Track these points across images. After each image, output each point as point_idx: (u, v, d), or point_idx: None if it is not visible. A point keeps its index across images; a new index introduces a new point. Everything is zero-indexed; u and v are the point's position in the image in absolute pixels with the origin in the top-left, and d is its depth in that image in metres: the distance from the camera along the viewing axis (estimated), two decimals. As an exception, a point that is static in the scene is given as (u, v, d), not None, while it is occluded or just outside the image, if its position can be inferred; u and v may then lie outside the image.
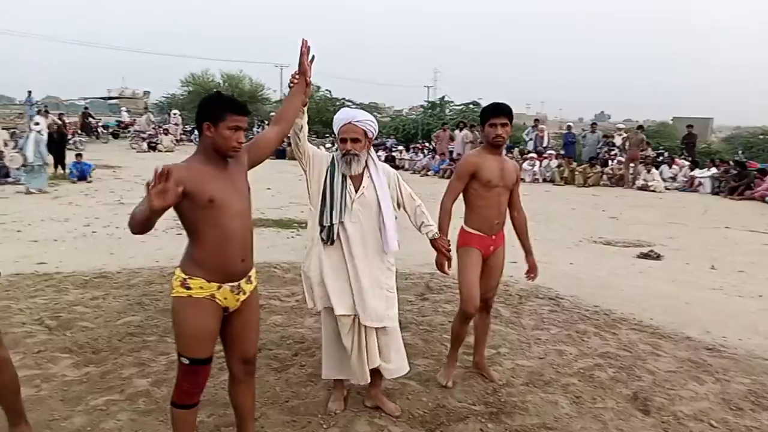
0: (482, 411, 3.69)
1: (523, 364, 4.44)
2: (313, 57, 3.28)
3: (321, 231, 3.46)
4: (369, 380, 3.58)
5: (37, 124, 14.30)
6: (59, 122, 19.81)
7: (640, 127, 19.48)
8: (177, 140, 27.39)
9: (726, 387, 4.16)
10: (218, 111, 2.70)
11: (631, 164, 16.75)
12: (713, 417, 3.73)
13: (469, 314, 3.94)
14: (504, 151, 4.19)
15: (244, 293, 2.87)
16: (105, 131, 29.42)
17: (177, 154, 21.73)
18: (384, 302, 3.52)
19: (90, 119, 28.61)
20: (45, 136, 14.31)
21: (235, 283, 2.80)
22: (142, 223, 2.50)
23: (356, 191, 3.49)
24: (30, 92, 22.74)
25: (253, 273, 2.95)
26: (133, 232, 2.57)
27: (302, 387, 3.92)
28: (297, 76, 3.27)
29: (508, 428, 3.50)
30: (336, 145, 3.72)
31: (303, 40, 3.23)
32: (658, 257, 8.28)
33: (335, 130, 3.57)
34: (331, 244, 3.47)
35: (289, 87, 3.32)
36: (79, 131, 25.33)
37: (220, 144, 2.70)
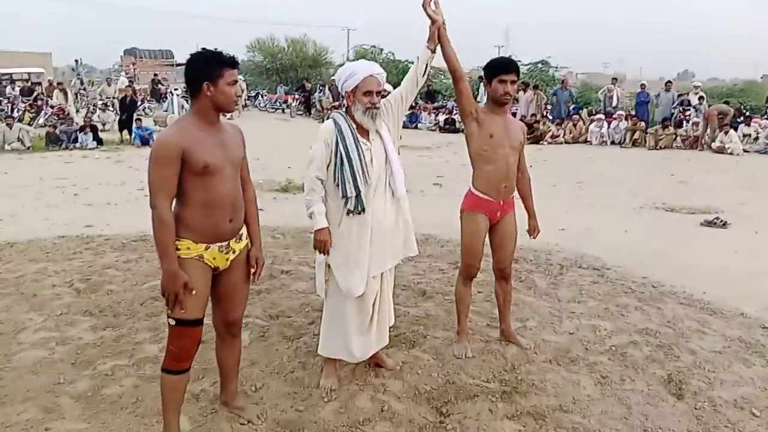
0: (495, 389, 3.45)
1: (550, 339, 4.14)
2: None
3: (346, 203, 3.26)
4: (372, 352, 3.48)
5: (176, 89, 16.15)
6: (130, 87, 20.41)
7: (726, 102, 17.96)
8: (243, 106, 27.72)
9: (777, 371, 3.74)
10: (215, 68, 2.67)
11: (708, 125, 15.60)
12: (756, 405, 3.35)
13: (470, 275, 3.88)
14: (509, 112, 3.93)
15: (234, 252, 2.86)
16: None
17: (242, 119, 21.93)
18: (403, 236, 3.49)
19: (159, 86, 29.32)
20: (181, 100, 15.72)
21: (224, 243, 2.79)
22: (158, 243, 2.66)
23: (366, 148, 3.31)
24: (77, 60, 24.43)
25: (243, 231, 2.92)
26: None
27: (311, 357, 3.78)
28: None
29: (519, 409, 3.25)
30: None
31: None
32: (724, 225, 7.65)
33: (352, 83, 3.29)
34: (363, 212, 3.27)
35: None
36: (149, 97, 25.99)
37: (221, 101, 2.69)
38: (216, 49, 2.74)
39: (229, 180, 2.75)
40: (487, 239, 3.88)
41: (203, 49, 2.76)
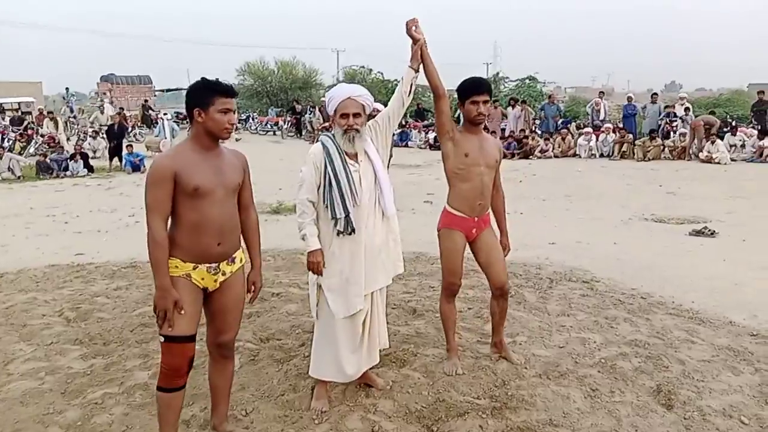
0: (485, 405, 3.46)
1: (540, 353, 4.15)
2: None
3: (336, 224, 3.31)
4: (363, 370, 3.50)
5: (165, 113, 16.84)
6: (119, 115, 20.48)
7: (712, 112, 18.11)
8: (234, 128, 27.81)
9: (766, 378, 3.76)
10: (207, 96, 2.78)
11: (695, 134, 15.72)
12: (745, 413, 3.37)
13: (452, 292, 3.90)
14: (488, 130, 3.96)
15: (224, 274, 2.91)
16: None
17: (231, 142, 22.00)
18: (393, 254, 3.55)
19: (150, 111, 29.43)
20: (172, 124, 16.06)
21: (213, 264, 2.85)
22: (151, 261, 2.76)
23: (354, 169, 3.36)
24: (67, 88, 24.96)
25: (238, 254, 2.98)
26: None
27: (302, 379, 3.78)
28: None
29: (509, 425, 3.26)
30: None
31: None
32: (712, 234, 7.71)
33: (332, 107, 3.41)
34: (353, 232, 3.32)
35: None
36: (139, 123, 26.07)
37: (211, 128, 2.78)
38: (217, 79, 2.85)
39: (220, 204, 2.82)
40: (473, 261, 3.92)
41: (203, 78, 2.86)
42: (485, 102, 3.67)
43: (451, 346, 3.95)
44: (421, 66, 3.57)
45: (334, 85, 32.35)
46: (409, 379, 3.75)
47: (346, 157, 3.34)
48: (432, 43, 3.59)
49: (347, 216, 3.28)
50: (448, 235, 3.82)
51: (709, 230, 7.80)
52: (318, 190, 3.35)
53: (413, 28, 3.52)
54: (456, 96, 3.81)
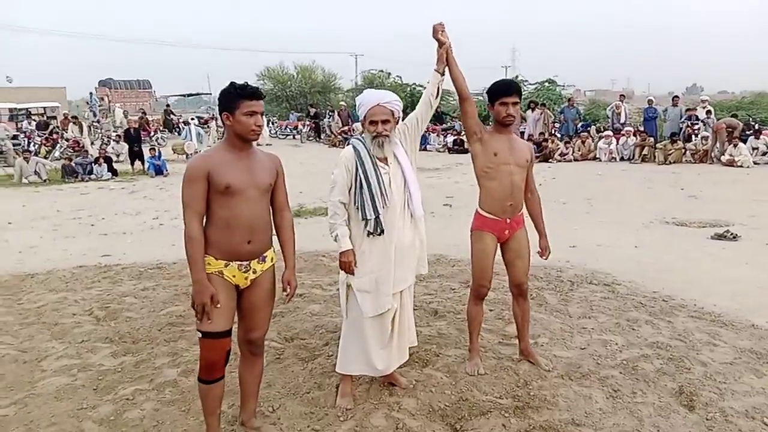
0: (508, 405, 3.51)
1: (562, 354, 4.19)
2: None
3: (366, 225, 3.41)
4: (394, 367, 3.58)
5: (193, 119, 17.84)
6: (134, 118, 20.79)
7: (735, 115, 17.93)
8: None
9: (788, 381, 3.77)
10: (232, 100, 2.89)
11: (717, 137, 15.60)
12: (767, 414, 3.38)
13: (480, 294, 3.94)
14: (518, 131, 4.02)
15: (255, 272, 3.02)
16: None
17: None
18: (419, 254, 3.64)
19: (171, 116, 29.81)
20: (198, 128, 16.89)
21: (244, 262, 2.96)
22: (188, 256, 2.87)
23: (384, 171, 3.46)
24: (92, 93, 27.31)
25: (269, 254, 3.08)
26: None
27: (326, 378, 3.86)
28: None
29: (532, 424, 3.31)
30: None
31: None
32: (734, 238, 7.66)
33: (362, 113, 3.52)
34: (382, 233, 3.41)
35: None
36: (161, 128, 26.41)
37: (239, 130, 2.89)
38: (246, 82, 2.96)
39: (251, 203, 2.93)
40: (500, 257, 3.96)
41: (231, 83, 2.96)
42: (515, 104, 3.73)
43: (474, 346, 4.00)
44: (447, 69, 3.65)
45: (355, 90, 32.61)
46: (432, 379, 3.81)
47: (377, 160, 3.43)
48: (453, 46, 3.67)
49: (377, 217, 3.37)
50: (479, 238, 3.87)
51: (732, 234, 7.76)
52: (349, 192, 3.45)
53: (440, 32, 3.60)
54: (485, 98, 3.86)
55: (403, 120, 3.67)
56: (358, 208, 3.40)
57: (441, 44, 3.60)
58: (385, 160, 3.46)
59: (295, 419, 3.40)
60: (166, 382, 3.87)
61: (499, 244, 3.90)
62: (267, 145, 22.03)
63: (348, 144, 3.58)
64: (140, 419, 3.44)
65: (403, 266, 3.50)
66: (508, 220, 3.85)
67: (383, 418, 3.38)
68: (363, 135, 3.54)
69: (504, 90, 3.74)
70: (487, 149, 3.76)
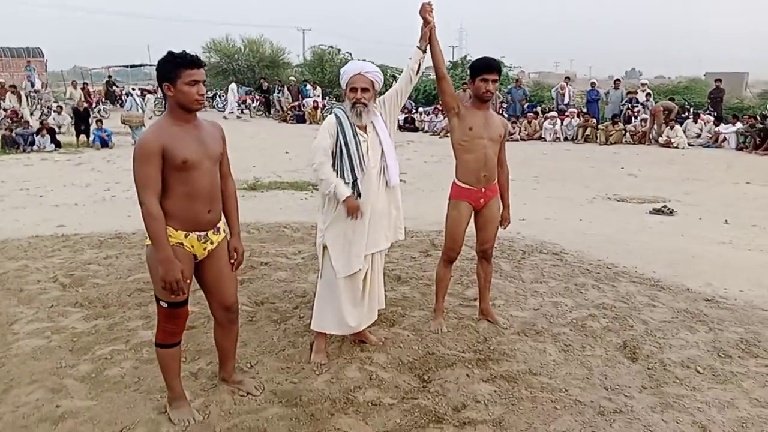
0: (471, 358, 3.80)
1: (517, 314, 4.52)
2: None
3: None
4: (365, 325, 3.81)
5: (133, 89, 18.12)
6: (83, 99, 20.07)
7: (672, 99, 18.76)
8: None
9: (718, 336, 4.19)
10: (172, 70, 2.80)
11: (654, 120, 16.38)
12: (700, 364, 3.78)
13: (450, 258, 4.21)
14: (491, 107, 4.27)
15: (212, 243, 3.05)
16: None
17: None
18: (394, 221, 3.85)
19: (114, 87, 28.93)
20: (138, 98, 16.19)
21: (203, 233, 2.98)
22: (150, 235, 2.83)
23: (363, 139, 3.65)
24: (29, 61, 27.47)
25: (221, 224, 3.12)
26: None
27: (299, 337, 4.06)
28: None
29: (493, 373, 3.61)
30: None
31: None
32: (671, 213, 8.21)
33: (344, 82, 3.69)
34: (359, 197, 3.59)
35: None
36: (103, 99, 25.63)
37: (182, 100, 2.81)
38: (184, 51, 2.86)
39: (208, 174, 2.93)
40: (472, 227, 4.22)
41: (169, 52, 2.88)
42: (494, 81, 3.96)
43: (439, 307, 4.28)
44: (428, 47, 3.83)
45: (305, 65, 32.26)
46: (399, 336, 4.07)
47: (357, 128, 3.61)
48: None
49: (355, 181, 3.57)
50: (455, 206, 4.12)
51: (668, 209, 8.31)
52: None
53: (429, 11, 3.76)
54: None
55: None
56: (337, 173, 3.59)
57: (426, 23, 3.77)
58: (364, 128, 3.65)
59: (273, 373, 3.59)
60: (142, 342, 3.98)
61: (473, 212, 4.16)
62: (223, 118, 21.72)
63: (330, 113, 3.76)
64: (121, 376, 3.56)
65: (376, 231, 3.71)
66: (483, 189, 4.10)
67: (357, 371, 3.61)
68: (344, 104, 3.71)
69: (485, 67, 3.96)
70: (464, 123, 4.00)
